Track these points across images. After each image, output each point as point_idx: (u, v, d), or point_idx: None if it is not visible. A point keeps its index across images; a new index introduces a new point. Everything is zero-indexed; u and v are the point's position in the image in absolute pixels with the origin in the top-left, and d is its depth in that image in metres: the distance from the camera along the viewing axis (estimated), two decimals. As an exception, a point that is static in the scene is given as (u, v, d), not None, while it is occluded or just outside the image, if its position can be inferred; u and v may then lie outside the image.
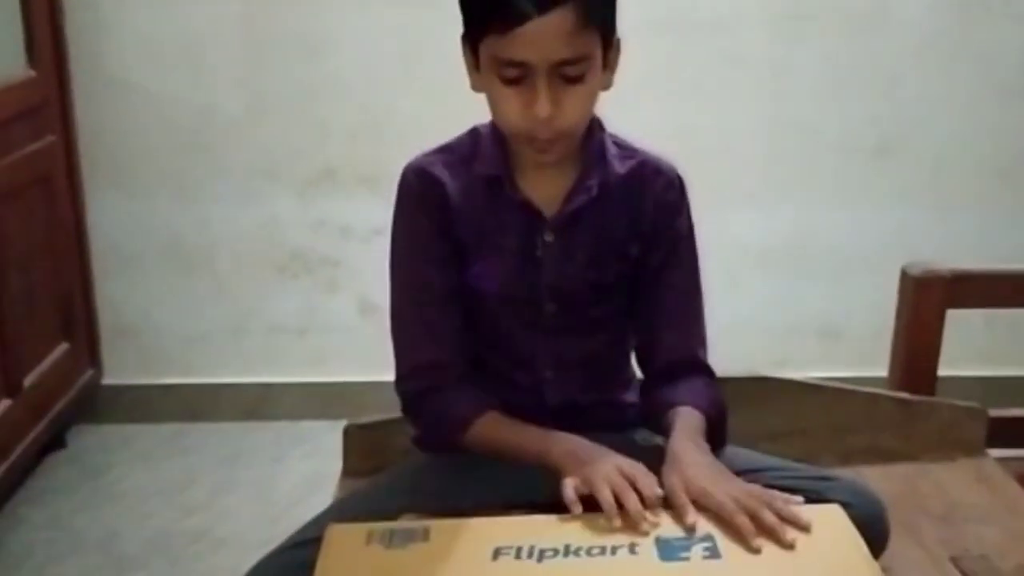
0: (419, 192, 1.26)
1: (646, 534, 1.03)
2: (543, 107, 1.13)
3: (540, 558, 1.01)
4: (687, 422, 1.20)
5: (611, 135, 1.28)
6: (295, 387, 2.62)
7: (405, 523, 1.09)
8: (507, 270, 1.26)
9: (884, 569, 1.03)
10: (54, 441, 2.41)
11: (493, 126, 1.25)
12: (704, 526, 1.05)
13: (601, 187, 1.24)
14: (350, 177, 2.51)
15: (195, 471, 2.40)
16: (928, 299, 1.63)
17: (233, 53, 2.45)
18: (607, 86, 1.20)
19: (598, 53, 1.16)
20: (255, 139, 2.50)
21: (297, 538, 1.17)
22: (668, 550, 1.02)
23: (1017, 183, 2.58)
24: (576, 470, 1.12)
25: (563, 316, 1.27)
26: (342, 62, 2.46)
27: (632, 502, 1.06)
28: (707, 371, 1.31)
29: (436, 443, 1.30)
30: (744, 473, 1.17)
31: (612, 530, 1.04)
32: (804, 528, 1.03)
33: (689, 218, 1.30)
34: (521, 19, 1.09)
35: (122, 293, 2.57)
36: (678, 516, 1.05)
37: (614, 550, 1.01)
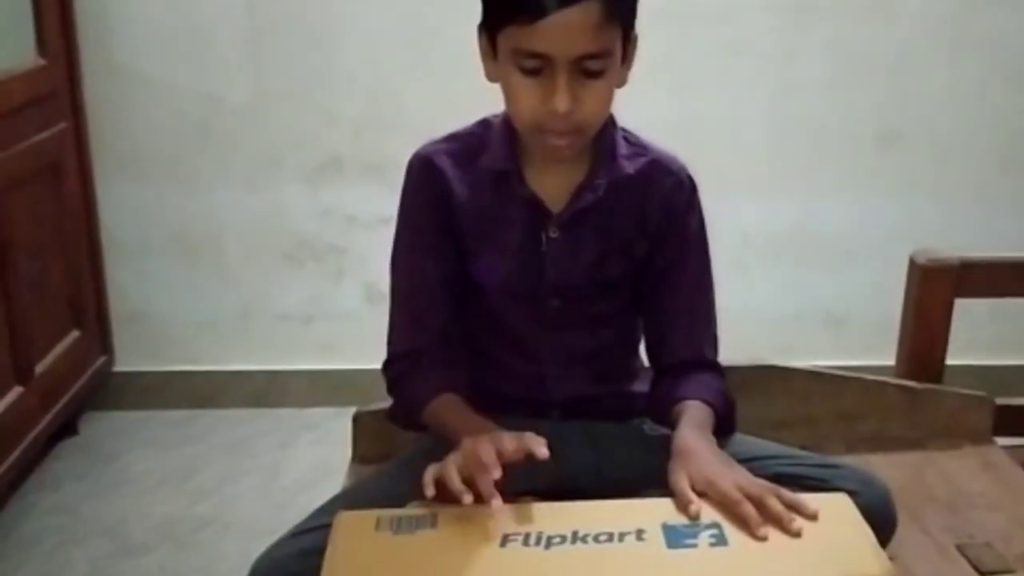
0: (421, 181, 1.27)
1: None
2: (562, 101, 1.12)
3: (548, 545, 1.01)
4: (693, 415, 1.21)
5: (623, 130, 1.27)
6: (303, 374, 2.64)
7: (413, 510, 1.09)
8: (511, 265, 1.26)
9: (890, 556, 1.04)
10: (65, 428, 2.43)
11: (504, 119, 1.24)
12: (711, 514, 1.05)
13: (609, 185, 1.24)
14: (357, 165, 2.51)
15: (204, 458, 2.41)
16: (936, 288, 1.63)
17: (241, 41, 2.46)
18: (622, 83, 1.20)
19: (619, 48, 1.15)
20: (263, 127, 2.50)
21: (306, 525, 1.18)
22: (675, 537, 1.02)
23: (1022, 172, 2.58)
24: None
25: (567, 311, 1.28)
26: (349, 51, 2.46)
27: (482, 480, 1.03)
28: (715, 367, 1.31)
29: (402, 422, 1.33)
30: (750, 461, 1.17)
31: (619, 517, 1.05)
32: (810, 516, 1.04)
33: (700, 217, 1.29)
34: (546, 11, 1.08)
35: (132, 281, 2.58)
36: (683, 507, 1.06)
37: (621, 537, 1.02)
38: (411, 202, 1.28)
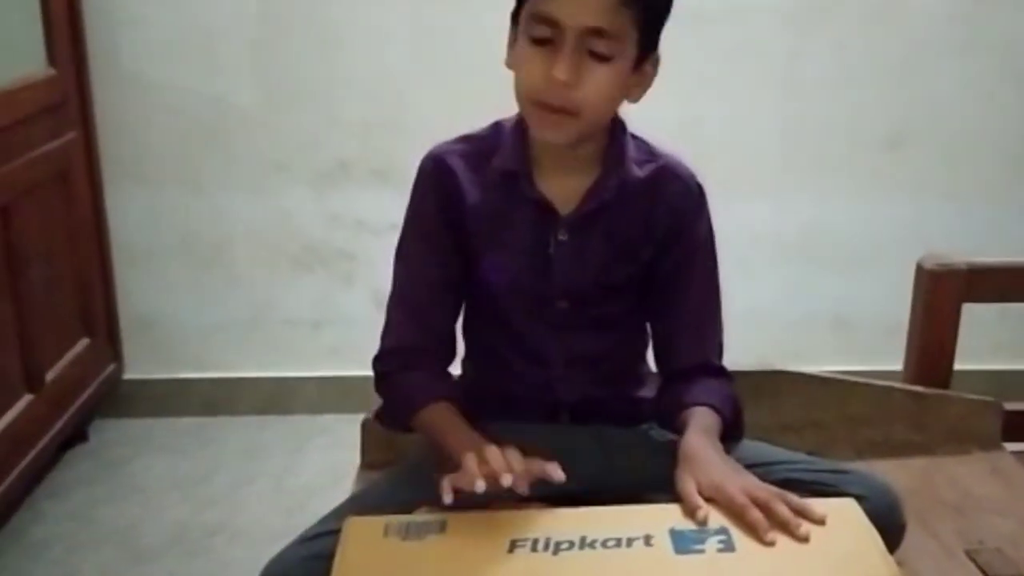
0: (432, 180, 1.27)
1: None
2: (562, 69, 1.12)
3: (556, 550, 1.02)
4: (700, 421, 1.21)
5: (633, 136, 1.28)
6: (312, 380, 2.64)
7: (422, 515, 1.10)
8: (519, 266, 1.26)
9: (898, 562, 1.04)
10: (75, 435, 2.44)
11: (516, 121, 1.25)
12: (718, 519, 1.05)
13: (618, 190, 1.24)
14: (364, 170, 2.52)
15: (214, 464, 2.42)
16: (944, 293, 1.63)
17: (248, 48, 2.46)
18: (634, 97, 1.21)
19: (630, 43, 1.15)
20: (270, 133, 2.51)
21: (315, 530, 1.18)
22: (683, 542, 1.02)
23: (1033, 174, 2.57)
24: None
25: (575, 313, 1.28)
26: (356, 56, 2.47)
27: (494, 457, 1.07)
28: (722, 373, 1.31)
29: (391, 423, 1.32)
30: (758, 466, 1.18)
31: (627, 522, 1.05)
32: (818, 521, 1.04)
33: (708, 224, 1.30)
34: None
35: (141, 288, 2.59)
36: (690, 513, 1.06)
37: (629, 542, 1.02)
38: (421, 201, 1.29)
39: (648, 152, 1.28)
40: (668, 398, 1.29)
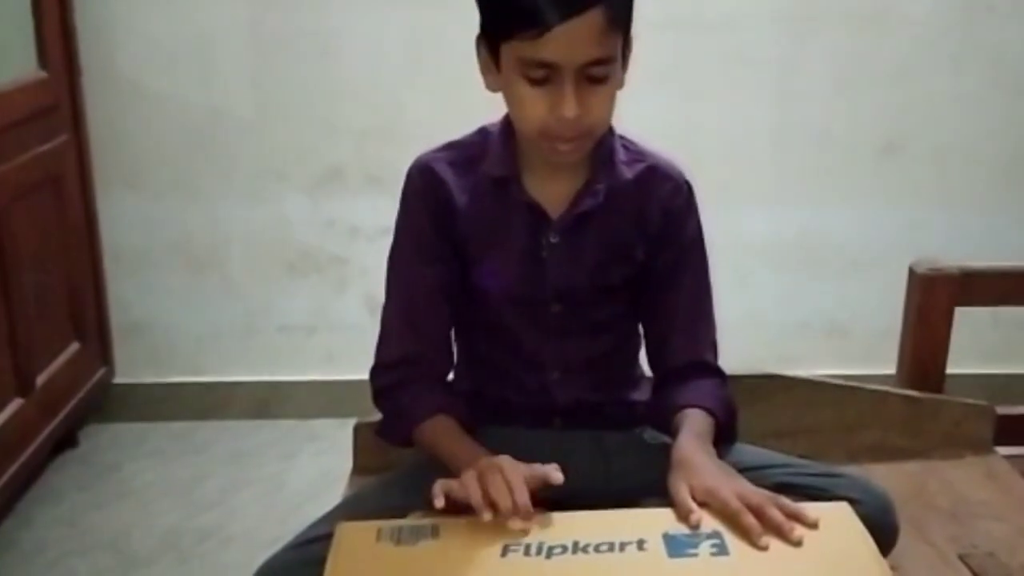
0: (421, 189, 1.27)
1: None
2: (570, 107, 1.13)
3: (549, 554, 1.01)
4: (693, 424, 1.21)
5: (621, 137, 1.28)
6: (305, 385, 2.64)
7: (415, 520, 1.09)
8: (512, 271, 1.26)
9: (892, 566, 1.04)
10: (66, 440, 2.43)
11: (502, 126, 1.26)
12: (711, 523, 1.05)
13: (608, 191, 1.24)
14: (359, 176, 2.52)
15: (205, 469, 2.41)
16: (936, 297, 1.63)
17: (242, 54, 2.46)
18: (621, 84, 1.21)
19: (619, 53, 1.16)
20: (264, 139, 2.51)
21: (307, 535, 1.17)
22: (676, 546, 1.02)
23: (1025, 181, 2.58)
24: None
25: (569, 317, 1.28)
26: (350, 62, 2.47)
27: (501, 495, 1.05)
28: (717, 372, 1.31)
29: (391, 437, 1.31)
30: (752, 470, 1.17)
31: (621, 527, 1.05)
32: (811, 525, 1.04)
33: (698, 222, 1.30)
34: (551, 25, 1.09)
35: (133, 292, 2.58)
36: (684, 517, 1.05)
37: (622, 547, 1.02)
38: (411, 209, 1.29)
39: (636, 152, 1.28)
40: (662, 400, 1.29)
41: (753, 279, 2.59)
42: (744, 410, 1.32)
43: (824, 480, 1.20)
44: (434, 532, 1.05)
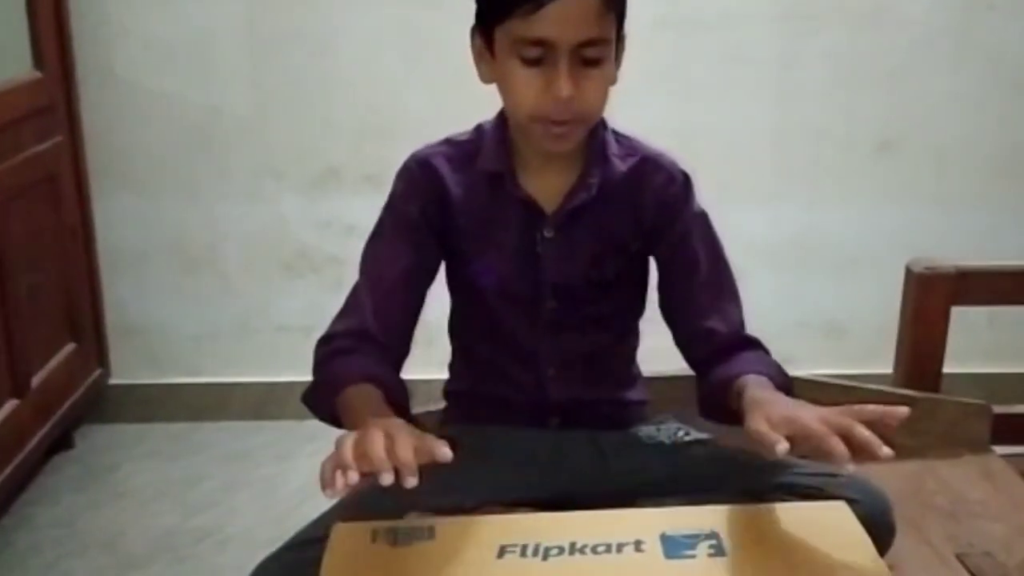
0: (416, 180, 1.27)
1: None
2: (564, 87, 1.12)
3: (545, 556, 1.01)
4: (756, 382, 1.16)
5: (614, 131, 1.28)
6: (302, 386, 2.58)
7: (410, 521, 1.09)
8: (507, 266, 1.26)
9: (890, 565, 1.03)
10: (61, 441, 2.42)
11: (497, 122, 1.26)
12: (709, 523, 1.05)
13: (602, 185, 1.24)
14: (356, 176, 2.51)
15: (202, 470, 2.40)
16: (932, 296, 1.63)
17: (239, 53, 2.46)
18: (614, 80, 1.21)
19: (614, 39, 1.16)
20: (261, 139, 2.50)
21: (303, 536, 1.17)
22: (673, 547, 1.02)
23: (1022, 180, 2.58)
24: None
25: (564, 313, 1.27)
26: (347, 61, 2.46)
27: (374, 447, 0.93)
28: (759, 344, 1.29)
29: (316, 408, 1.23)
30: (749, 469, 1.17)
31: (618, 527, 1.04)
32: (901, 417, 1.00)
33: (699, 205, 1.29)
34: (546, 0, 1.09)
35: (129, 293, 2.57)
36: (768, 448, 1.00)
37: (619, 548, 1.02)
38: (401, 195, 1.28)
39: (629, 146, 1.28)
40: (712, 379, 1.25)
41: (750, 279, 2.54)
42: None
43: (822, 479, 1.20)
44: (430, 533, 1.05)
